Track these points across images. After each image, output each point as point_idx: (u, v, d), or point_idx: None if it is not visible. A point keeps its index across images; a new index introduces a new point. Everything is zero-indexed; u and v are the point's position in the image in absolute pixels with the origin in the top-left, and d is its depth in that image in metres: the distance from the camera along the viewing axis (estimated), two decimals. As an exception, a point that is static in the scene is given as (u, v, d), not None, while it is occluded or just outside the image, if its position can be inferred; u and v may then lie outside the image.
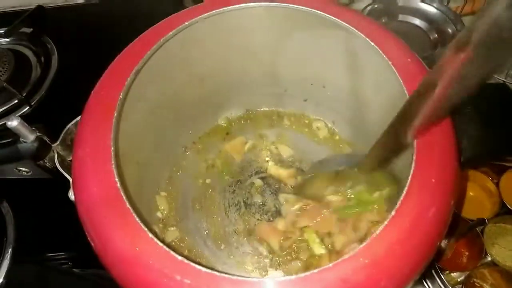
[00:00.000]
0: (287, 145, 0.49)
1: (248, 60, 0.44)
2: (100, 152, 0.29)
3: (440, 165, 0.28)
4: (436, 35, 0.62)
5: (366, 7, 0.62)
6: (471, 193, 0.54)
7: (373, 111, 0.41)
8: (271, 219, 0.44)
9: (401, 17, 0.64)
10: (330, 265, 0.25)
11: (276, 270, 0.41)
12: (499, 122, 0.32)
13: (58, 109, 0.52)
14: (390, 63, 0.32)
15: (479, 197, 0.53)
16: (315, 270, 0.25)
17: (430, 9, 0.63)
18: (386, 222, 0.26)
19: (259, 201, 0.45)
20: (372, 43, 0.34)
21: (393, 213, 0.26)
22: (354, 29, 0.35)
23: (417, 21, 0.63)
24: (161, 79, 0.39)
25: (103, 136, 0.30)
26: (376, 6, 0.62)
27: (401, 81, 0.31)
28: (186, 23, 0.36)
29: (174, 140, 0.47)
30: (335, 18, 0.36)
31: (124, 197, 0.28)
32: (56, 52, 0.65)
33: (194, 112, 0.47)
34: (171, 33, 0.36)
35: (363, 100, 0.43)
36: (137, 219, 0.27)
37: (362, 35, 0.35)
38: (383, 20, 0.63)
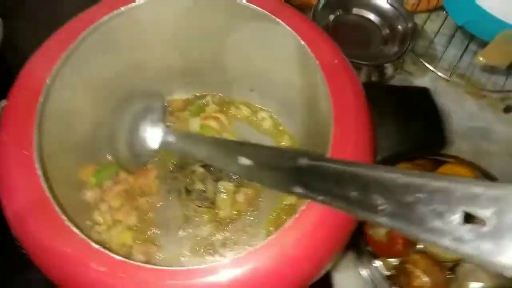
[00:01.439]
0: (231, 133, 0.50)
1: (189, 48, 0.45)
2: (24, 146, 0.29)
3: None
4: (388, 31, 0.63)
5: (321, -1, 0.63)
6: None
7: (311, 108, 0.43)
8: (211, 205, 0.45)
9: (355, 10, 0.65)
10: (242, 254, 0.27)
11: (213, 255, 0.43)
12: (418, 122, 0.34)
13: None
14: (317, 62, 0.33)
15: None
16: (226, 261, 0.26)
17: (384, 4, 0.64)
18: (296, 215, 0.27)
19: (200, 188, 0.46)
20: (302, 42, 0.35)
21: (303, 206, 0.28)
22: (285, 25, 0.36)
23: (371, 16, 0.65)
24: (94, 66, 0.38)
25: (26, 132, 0.30)
26: (331, -2, 0.63)
27: (326, 82, 0.32)
28: (122, 8, 0.36)
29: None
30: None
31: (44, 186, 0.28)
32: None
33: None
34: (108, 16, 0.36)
35: (305, 96, 0.44)
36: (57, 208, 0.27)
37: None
38: (337, 13, 0.64)
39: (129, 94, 0.46)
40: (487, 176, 0.52)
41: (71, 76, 0.35)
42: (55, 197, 0.28)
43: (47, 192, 0.28)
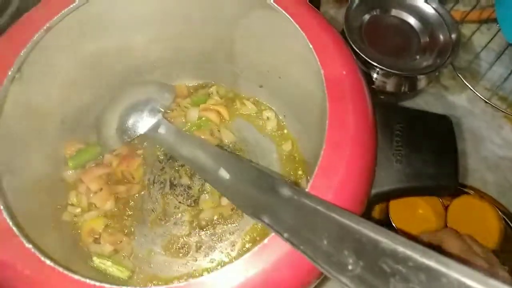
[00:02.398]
0: (230, 129, 0.46)
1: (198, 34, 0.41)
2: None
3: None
4: (427, 39, 0.56)
5: (357, -5, 0.57)
6: (420, 211, 0.51)
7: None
8: (193, 204, 0.42)
9: (394, 11, 0.58)
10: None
11: (184, 258, 0.40)
12: (436, 155, 0.29)
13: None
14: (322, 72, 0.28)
15: (427, 216, 0.51)
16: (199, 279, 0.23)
17: (428, 8, 0.57)
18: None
19: (186, 183, 0.43)
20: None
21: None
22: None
23: (411, 20, 0.58)
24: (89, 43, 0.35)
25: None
26: (368, -4, 0.57)
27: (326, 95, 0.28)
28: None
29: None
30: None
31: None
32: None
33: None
34: None
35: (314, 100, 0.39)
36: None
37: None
38: (374, 12, 0.58)
39: (138, 80, 0.44)
40: (508, 216, 0.46)
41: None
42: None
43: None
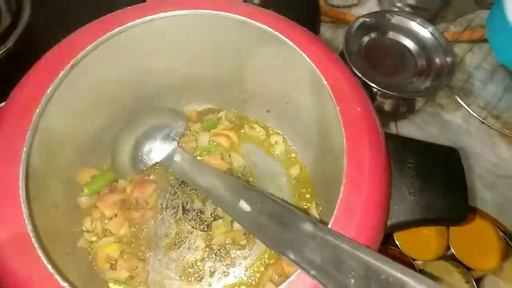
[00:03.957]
0: (239, 153, 0.47)
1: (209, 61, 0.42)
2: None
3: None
4: (424, 62, 0.59)
5: (357, 18, 0.59)
6: (423, 231, 0.53)
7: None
8: (205, 229, 0.43)
9: (392, 34, 0.60)
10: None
11: (199, 283, 0.41)
12: (439, 188, 0.31)
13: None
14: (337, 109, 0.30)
15: (430, 236, 0.52)
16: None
17: (424, 32, 0.59)
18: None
19: (199, 208, 0.44)
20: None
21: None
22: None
23: (409, 43, 0.60)
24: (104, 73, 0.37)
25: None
26: (367, 20, 0.59)
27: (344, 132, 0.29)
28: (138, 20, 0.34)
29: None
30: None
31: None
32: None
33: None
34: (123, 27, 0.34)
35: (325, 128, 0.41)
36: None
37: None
38: (372, 35, 0.60)
39: (150, 105, 0.45)
40: (509, 235, 0.48)
41: (77, 80, 0.34)
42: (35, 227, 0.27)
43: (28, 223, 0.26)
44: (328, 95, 0.32)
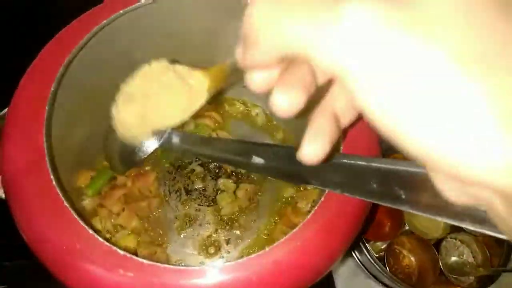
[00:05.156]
0: (227, 131, 0.50)
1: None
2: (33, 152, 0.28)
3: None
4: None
5: None
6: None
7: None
8: (211, 204, 0.46)
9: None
10: (267, 249, 0.28)
11: (218, 253, 0.43)
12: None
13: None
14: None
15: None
16: (252, 256, 0.27)
17: None
18: (313, 211, 0.28)
19: (200, 187, 0.46)
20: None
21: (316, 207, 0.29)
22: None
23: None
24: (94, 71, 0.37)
25: (35, 137, 0.29)
26: None
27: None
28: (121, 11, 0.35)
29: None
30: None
31: (61, 195, 0.27)
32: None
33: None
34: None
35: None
36: (76, 216, 0.27)
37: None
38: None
39: None
40: None
41: (72, 82, 0.35)
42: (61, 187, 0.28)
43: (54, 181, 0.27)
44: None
